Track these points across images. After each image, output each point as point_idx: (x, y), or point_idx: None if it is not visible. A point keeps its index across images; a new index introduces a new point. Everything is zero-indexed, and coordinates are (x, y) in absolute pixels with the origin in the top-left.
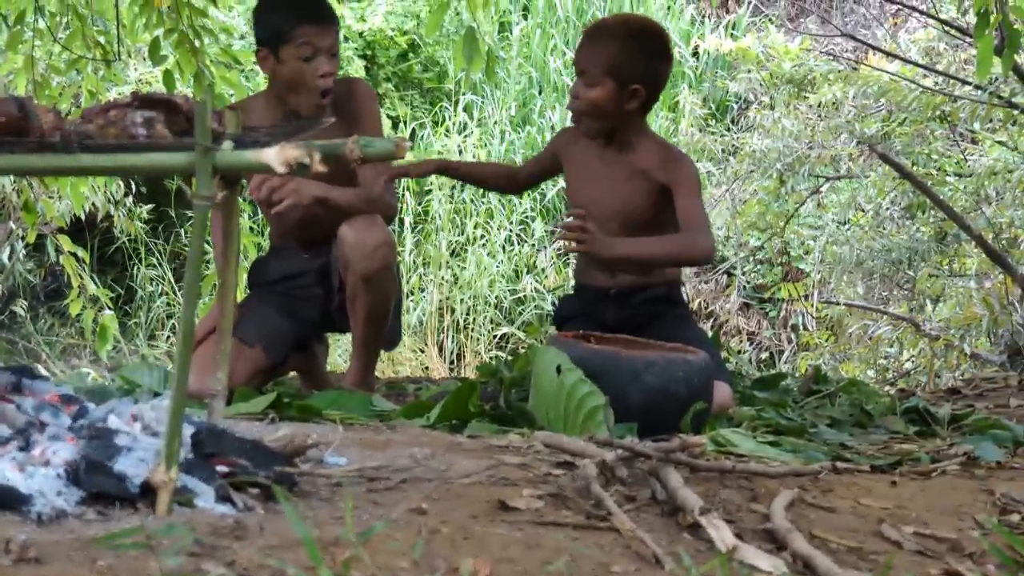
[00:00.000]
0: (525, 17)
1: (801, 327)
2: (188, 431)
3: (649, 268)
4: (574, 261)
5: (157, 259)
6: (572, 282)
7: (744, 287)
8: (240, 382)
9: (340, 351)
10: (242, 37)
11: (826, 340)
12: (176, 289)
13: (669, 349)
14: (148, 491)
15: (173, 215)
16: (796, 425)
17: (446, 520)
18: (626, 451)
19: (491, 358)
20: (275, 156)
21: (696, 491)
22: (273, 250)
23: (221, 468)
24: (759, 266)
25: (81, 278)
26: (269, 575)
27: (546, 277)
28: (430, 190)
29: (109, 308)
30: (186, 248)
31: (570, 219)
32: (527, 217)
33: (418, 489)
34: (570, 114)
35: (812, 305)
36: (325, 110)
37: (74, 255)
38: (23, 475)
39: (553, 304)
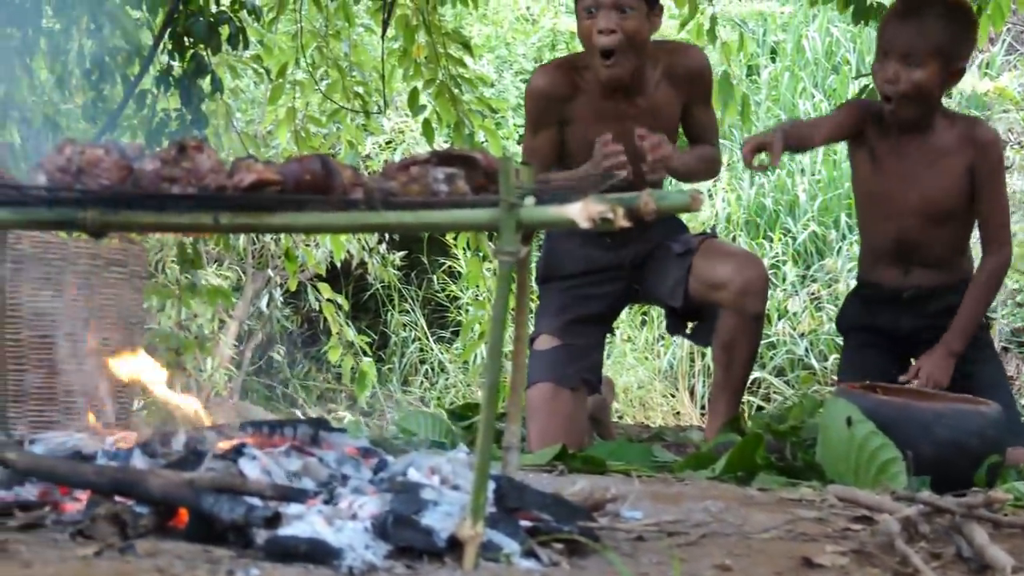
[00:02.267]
0: (773, 60)
1: None
2: (490, 485)
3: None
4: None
5: (410, 305)
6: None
7: (1002, 331)
8: (581, 441)
9: None
10: (492, 85)
11: None
12: (428, 335)
13: (960, 400)
14: (455, 545)
15: (425, 261)
16: None
17: None
18: (927, 506)
19: (744, 403)
20: (579, 211)
21: (1003, 548)
22: (563, 237)
23: (524, 523)
24: (1019, 309)
25: (340, 325)
26: None
27: (799, 322)
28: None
29: (367, 354)
30: (438, 294)
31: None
32: (778, 261)
33: (719, 544)
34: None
35: None
36: (617, 73)
37: (333, 302)
38: (332, 528)
39: (814, 343)
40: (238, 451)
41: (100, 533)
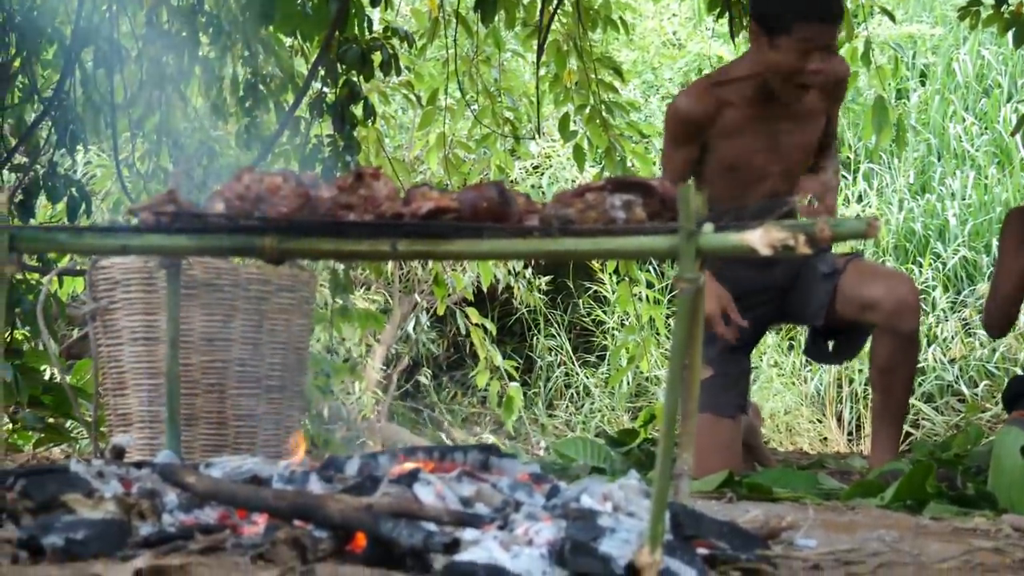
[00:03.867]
0: (923, 83)
1: None
2: (665, 513)
3: None
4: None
5: (555, 329)
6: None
7: None
8: (740, 468)
9: None
10: (639, 110)
11: None
12: (574, 359)
13: None
14: (632, 573)
15: (571, 286)
16: None
17: None
18: None
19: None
20: (759, 238)
21: None
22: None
23: (701, 551)
24: None
25: (487, 349)
26: None
27: (949, 348)
28: None
29: (514, 379)
30: (583, 318)
31: None
32: (928, 287)
33: (895, 574)
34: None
35: None
36: (805, 94)
37: (480, 326)
38: (509, 555)
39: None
40: (412, 476)
41: (281, 557)
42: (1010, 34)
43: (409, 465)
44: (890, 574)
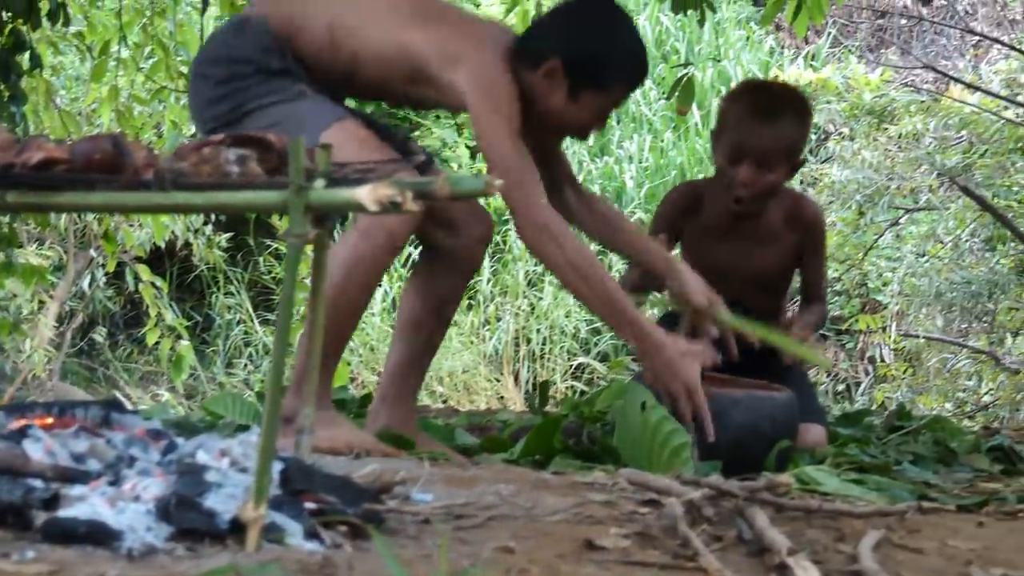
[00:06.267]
0: None
1: (879, 359)
2: (277, 467)
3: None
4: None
5: (235, 287)
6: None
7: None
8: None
9: None
10: None
11: (904, 372)
12: (254, 317)
13: (756, 387)
14: (238, 528)
15: (252, 243)
16: (880, 463)
17: (534, 559)
18: (712, 490)
19: (568, 388)
20: (367, 195)
21: (783, 531)
22: None
23: (310, 505)
24: (837, 297)
25: (159, 307)
26: None
27: None
28: (507, 220)
29: (186, 338)
30: (264, 276)
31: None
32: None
33: (505, 527)
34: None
35: (890, 337)
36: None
37: (153, 284)
38: (113, 510)
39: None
40: (22, 432)
41: None
42: (667, 1)
43: (23, 421)
44: (500, 526)
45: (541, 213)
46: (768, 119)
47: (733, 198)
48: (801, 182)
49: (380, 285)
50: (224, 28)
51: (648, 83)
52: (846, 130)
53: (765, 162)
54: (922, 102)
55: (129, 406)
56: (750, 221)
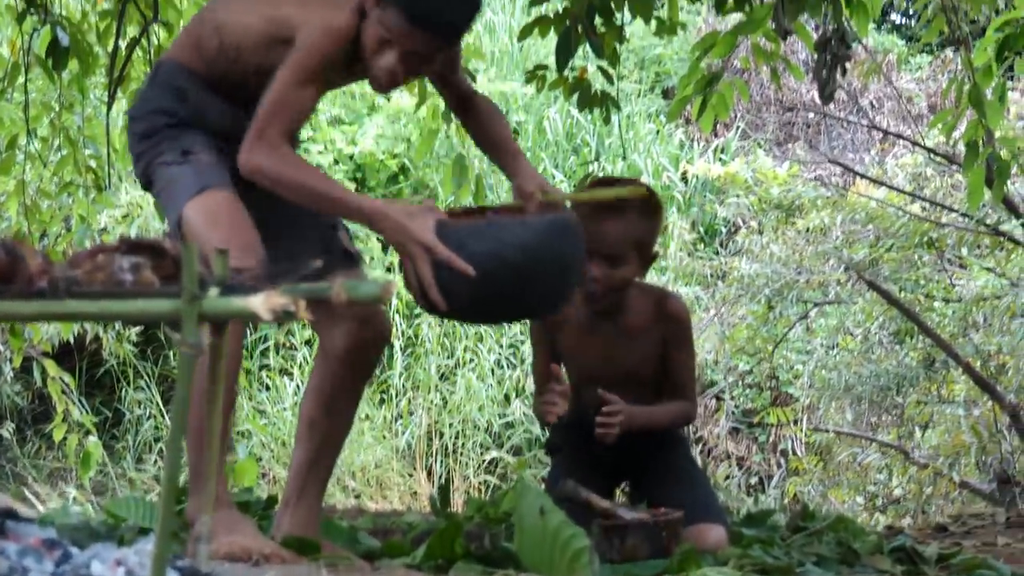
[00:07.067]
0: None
1: (790, 452)
2: None
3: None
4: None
5: (145, 382)
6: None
7: (733, 412)
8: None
9: None
10: None
11: (815, 465)
12: (164, 412)
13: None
14: None
15: (162, 338)
16: (783, 564)
17: None
18: None
19: (481, 483)
20: (261, 304)
21: None
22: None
23: None
24: (748, 391)
25: (66, 403)
26: None
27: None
28: (419, 314)
29: (94, 434)
30: (174, 371)
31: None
32: (517, 340)
33: None
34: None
35: (801, 430)
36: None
37: (60, 379)
38: None
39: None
40: None
41: None
42: (574, 97)
43: None
44: None
45: (261, 151)
46: (613, 215)
47: (586, 295)
48: (711, 275)
49: (292, 379)
50: (145, 79)
51: (559, 175)
52: (755, 223)
53: (614, 258)
54: (829, 197)
55: (27, 512)
56: (612, 318)
